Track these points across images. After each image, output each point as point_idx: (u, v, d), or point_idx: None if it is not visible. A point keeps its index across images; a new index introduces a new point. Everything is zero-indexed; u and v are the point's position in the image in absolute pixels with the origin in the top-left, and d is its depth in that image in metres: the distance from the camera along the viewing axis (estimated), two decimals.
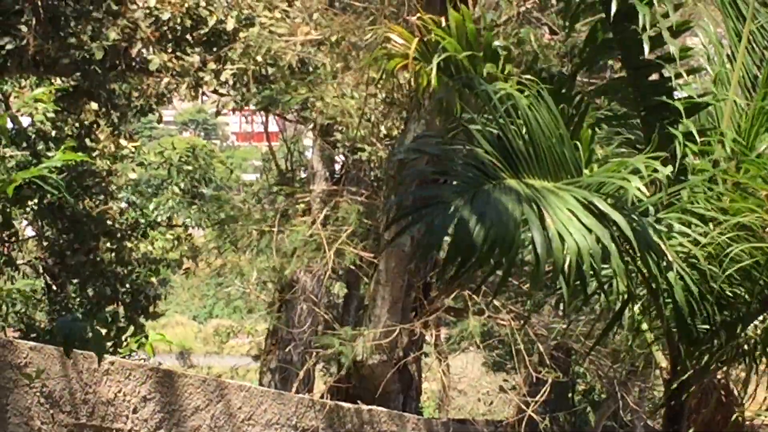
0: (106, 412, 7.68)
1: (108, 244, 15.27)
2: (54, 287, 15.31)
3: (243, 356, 20.42)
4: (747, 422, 7.06)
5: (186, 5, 12.33)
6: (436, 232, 5.32)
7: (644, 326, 6.94)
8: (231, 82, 12.54)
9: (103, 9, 11.97)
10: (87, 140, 14.66)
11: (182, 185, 16.84)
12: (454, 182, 5.63)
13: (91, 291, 14.97)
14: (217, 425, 8.50)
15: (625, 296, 6.39)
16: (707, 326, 6.44)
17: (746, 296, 6.39)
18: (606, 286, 6.27)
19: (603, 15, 6.65)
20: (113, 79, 12.50)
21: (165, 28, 12.30)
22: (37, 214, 14.68)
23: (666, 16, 6.55)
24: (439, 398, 18.74)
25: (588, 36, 6.87)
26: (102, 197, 15.36)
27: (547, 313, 12.99)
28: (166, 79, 12.61)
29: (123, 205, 16.48)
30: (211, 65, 12.34)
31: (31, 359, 7.23)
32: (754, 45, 7.33)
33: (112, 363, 7.74)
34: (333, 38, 11.86)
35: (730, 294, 6.39)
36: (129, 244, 15.66)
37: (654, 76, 6.85)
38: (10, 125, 13.58)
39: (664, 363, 6.85)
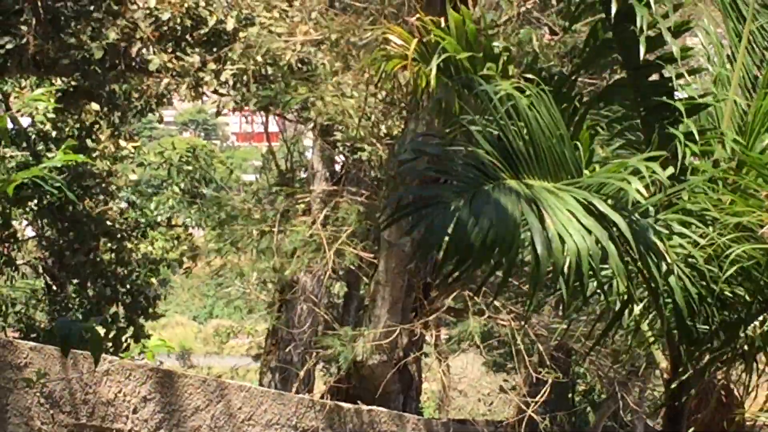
0: (106, 412, 7.68)
1: (108, 245, 15.28)
2: (54, 287, 15.32)
3: (243, 356, 20.43)
4: (747, 423, 7.06)
5: (186, 5, 12.33)
6: (436, 232, 5.32)
7: (644, 327, 6.94)
8: (231, 82, 12.54)
9: (102, 9, 11.97)
10: (88, 141, 14.67)
11: (182, 185, 16.85)
12: (454, 182, 5.63)
13: (91, 291, 14.97)
14: (217, 425, 8.50)
15: (625, 297, 6.39)
16: (707, 327, 6.44)
17: (746, 297, 6.39)
18: (606, 287, 6.27)
19: (603, 15, 6.65)
20: (113, 80, 12.50)
21: (165, 28, 12.30)
22: (37, 214, 14.69)
23: (666, 16, 6.54)
24: (439, 398, 18.75)
25: (588, 36, 6.87)
26: (102, 197, 15.37)
27: (547, 313, 12.98)
28: (166, 80, 12.60)
29: (123, 205, 16.49)
30: (211, 65, 12.34)
31: (32, 359, 7.23)
32: (755, 45, 7.32)
33: (112, 363, 7.74)
34: (333, 37, 11.85)
35: (730, 294, 6.39)
36: (129, 245, 15.67)
37: (654, 77, 6.84)
38: (10, 125, 13.59)
39: (664, 363, 6.85)
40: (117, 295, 15.08)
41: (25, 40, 11.61)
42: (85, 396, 7.54)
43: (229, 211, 13.26)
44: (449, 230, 5.33)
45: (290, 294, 14.06)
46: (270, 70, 12.28)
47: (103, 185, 15.22)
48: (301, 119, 13.54)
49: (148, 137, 40.95)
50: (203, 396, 8.40)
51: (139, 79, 13.38)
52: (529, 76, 6.61)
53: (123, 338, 15.08)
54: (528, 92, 5.98)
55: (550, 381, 12.65)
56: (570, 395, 19.60)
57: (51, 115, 14.11)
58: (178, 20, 12.27)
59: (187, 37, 12.44)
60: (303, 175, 14.89)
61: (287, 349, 14.23)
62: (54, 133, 14.37)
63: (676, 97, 6.87)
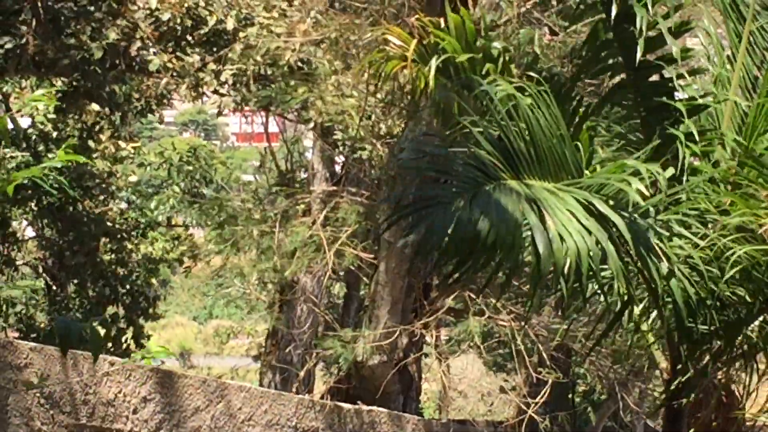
0: (106, 412, 7.68)
1: (108, 245, 15.28)
2: (54, 288, 15.32)
3: (243, 357, 20.42)
4: (747, 423, 7.06)
5: (186, 5, 12.33)
6: (437, 232, 5.32)
7: (644, 327, 6.94)
8: (231, 83, 12.54)
9: (102, 9, 11.97)
10: (90, 141, 14.67)
11: (182, 185, 16.85)
12: (454, 182, 5.62)
13: (91, 292, 14.97)
14: (217, 426, 8.50)
15: (625, 298, 6.38)
16: (707, 327, 6.44)
17: (747, 297, 6.39)
18: (606, 288, 6.27)
19: (603, 15, 6.65)
20: (113, 80, 12.50)
21: (165, 28, 12.30)
22: (37, 214, 14.68)
23: (666, 16, 6.54)
24: (439, 399, 18.75)
25: (588, 37, 6.87)
26: (102, 198, 15.37)
27: (547, 314, 12.97)
28: (165, 80, 12.60)
29: (123, 205, 16.49)
30: (211, 65, 12.34)
31: (32, 360, 7.23)
32: (755, 46, 7.32)
33: (112, 364, 7.74)
34: (332, 36, 11.84)
35: (730, 295, 6.39)
36: (129, 245, 15.67)
37: (654, 77, 6.84)
38: (9, 126, 13.58)
39: (664, 363, 6.85)
40: (117, 296, 15.08)
41: (24, 40, 11.61)
42: (85, 396, 7.54)
43: (230, 212, 13.25)
44: (450, 231, 5.32)
45: (290, 294, 14.06)
46: (270, 70, 12.28)
47: (103, 186, 15.22)
48: (301, 119, 13.53)
49: (148, 138, 40.96)
50: (203, 396, 8.40)
51: (139, 80, 13.39)
52: (530, 75, 6.61)
53: (123, 338, 15.08)
54: (528, 92, 5.98)
55: (550, 381, 12.65)
56: (570, 396, 19.60)
57: (51, 116, 14.11)
58: (178, 20, 12.27)
59: (187, 37, 12.44)
60: (303, 175, 14.89)
61: (287, 350, 14.23)
62: (54, 134, 14.37)
63: (676, 98, 6.87)
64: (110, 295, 14.98)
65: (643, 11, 6.38)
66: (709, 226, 6.35)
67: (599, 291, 6.18)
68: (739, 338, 6.58)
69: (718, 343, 6.53)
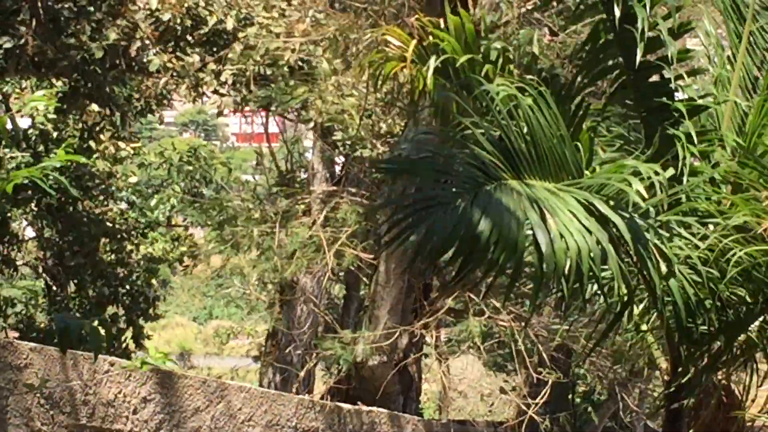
0: (106, 413, 7.68)
1: (108, 246, 15.28)
2: (54, 288, 15.32)
3: (243, 357, 20.42)
4: (747, 423, 7.06)
5: (186, 5, 12.33)
6: (438, 233, 5.30)
7: (644, 327, 6.94)
8: (231, 83, 12.54)
9: (102, 9, 11.97)
10: (91, 142, 14.67)
11: (182, 185, 16.85)
12: (454, 182, 5.62)
13: (90, 292, 14.97)
14: (217, 426, 8.50)
15: (625, 298, 6.38)
16: (707, 328, 6.44)
17: (747, 298, 6.39)
18: (606, 288, 6.26)
19: (604, 16, 6.64)
20: (113, 81, 12.49)
21: (164, 28, 12.30)
22: (37, 215, 14.68)
23: (668, 17, 6.53)
24: (439, 399, 18.75)
25: (589, 37, 6.86)
26: (102, 198, 15.37)
27: (547, 314, 12.97)
28: (164, 79, 12.61)
29: (123, 206, 16.49)
30: (211, 65, 12.34)
31: (32, 360, 7.23)
32: (755, 47, 7.32)
33: (112, 364, 7.74)
34: (332, 35, 11.84)
35: (730, 296, 6.39)
36: (129, 246, 15.67)
37: (655, 77, 6.84)
38: (9, 126, 13.56)
39: (664, 364, 6.85)
40: (117, 296, 15.08)
41: (23, 40, 11.60)
42: (85, 397, 7.54)
43: (230, 212, 13.25)
44: (452, 231, 5.31)
45: (290, 295, 14.06)
46: (269, 71, 12.28)
47: (103, 186, 15.22)
48: (301, 119, 13.53)
49: (148, 138, 40.95)
50: (203, 397, 8.40)
51: (139, 80, 13.39)
52: (530, 76, 6.60)
53: (122, 339, 15.07)
54: (528, 93, 5.97)
55: (550, 382, 12.64)
56: (570, 396, 19.59)
57: (52, 116, 14.10)
58: (178, 20, 12.28)
59: (187, 37, 12.45)
60: (303, 175, 14.89)
61: (287, 350, 14.23)
62: (54, 134, 14.37)
63: (676, 98, 6.86)
64: (110, 295, 14.97)
65: (644, 12, 6.38)
66: (710, 226, 6.34)
67: (599, 291, 6.17)
68: (740, 338, 6.57)
69: (718, 343, 6.53)
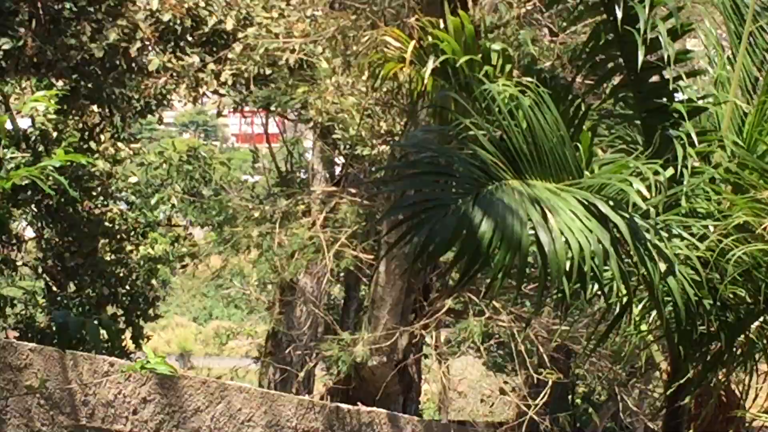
0: (106, 413, 7.67)
1: (108, 246, 15.28)
2: (54, 288, 15.32)
3: (243, 358, 20.42)
4: (747, 424, 7.05)
5: (186, 5, 12.34)
6: (440, 235, 5.28)
7: (644, 328, 6.94)
8: (230, 83, 12.55)
9: (102, 10, 11.97)
10: (91, 143, 14.67)
11: (181, 185, 16.84)
12: (454, 183, 5.60)
13: (90, 292, 14.97)
14: (217, 427, 8.49)
15: (626, 299, 6.38)
16: (708, 328, 6.43)
17: (747, 298, 6.39)
18: (606, 288, 6.26)
19: (605, 16, 6.64)
20: (113, 82, 12.49)
21: (164, 28, 12.31)
22: (36, 215, 14.68)
23: (666, 18, 6.53)
24: (439, 400, 18.74)
25: (590, 38, 6.86)
26: (102, 199, 15.37)
27: (546, 314, 12.97)
28: (164, 79, 12.61)
29: (123, 206, 16.48)
30: (211, 66, 12.35)
31: (32, 361, 7.22)
32: (755, 47, 7.32)
33: (111, 365, 7.74)
34: (331, 33, 11.84)
35: (731, 296, 6.38)
36: (129, 246, 15.66)
37: (655, 78, 6.83)
38: (9, 126, 13.57)
39: (664, 364, 6.84)
40: (116, 296, 15.08)
41: (22, 41, 11.60)
42: (85, 397, 7.54)
43: (231, 213, 13.26)
44: (454, 233, 5.29)
45: (290, 295, 14.07)
46: (269, 71, 12.29)
47: (102, 188, 15.22)
48: (301, 118, 13.54)
49: (148, 138, 40.92)
50: (203, 397, 8.40)
51: (139, 80, 13.39)
52: (529, 76, 6.60)
53: (122, 339, 15.07)
54: (528, 93, 5.97)
55: (550, 383, 12.64)
56: (570, 397, 19.60)
57: (52, 116, 14.11)
58: (178, 21, 12.28)
59: (187, 37, 12.45)
60: (303, 176, 14.90)
61: (287, 351, 14.24)
62: (54, 134, 14.37)
63: (677, 99, 6.86)
64: (109, 295, 14.97)
65: (645, 13, 6.37)
66: (710, 227, 6.34)
67: (600, 292, 6.17)
68: (740, 339, 6.57)
69: (718, 343, 6.52)
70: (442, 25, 6.79)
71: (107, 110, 13.44)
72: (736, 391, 6.88)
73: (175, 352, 36.91)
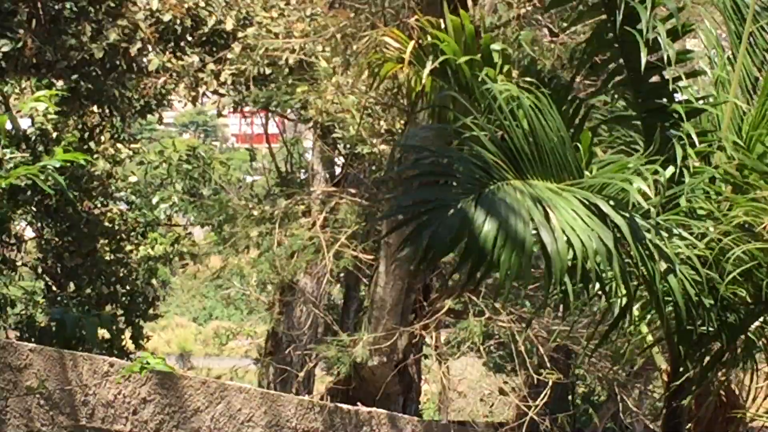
0: (106, 413, 7.67)
1: (107, 246, 15.29)
2: (53, 288, 15.32)
3: (243, 358, 20.42)
4: (748, 424, 7.05)
5: (186, 5, 12.34)
6: (443, 236, 5.25)
7: (644, 328, 6.94)
8: (230, 83, 12.55)
9: (102, 10, 11.97)
10: (91, 143, 14.67)
11: (181, 185, 16.84)
12: (454, 183, 5.59)
13: (90, 292, 14.98)
14: (217, 427, 8.49)
15: (626, 299, 6.38)
16: (708, 328, 6.43)
17: (747, 298, 6.38)
18: (608, 288, 6.26)
19: (605, 17, 6.64)
20: (113, 83, 12.49)
21: (164, 28, 12.31)
22: (36, 216, 14.69)
23: (666, 19, 6.52)
24: (439, 400, 18.74)
25: (590, 38, 6.85)
26: (102, 199, 15.38)
27: (546, 314, 12.96)
28: (163, 78, 12.61)
29: (123, 206, 16.49)
30: (211, 66, 12.35)
31: (32, 361, 7.22)
32: (755, 47, 7.31)
33: (111, 365, 7.74)
34: (330, 32, 11.84)
35: (731, 296, 6.38)
36: (129, 246, 15.67)
37: (655, 78, 6.83)
38: (9, 126, 13.57)
39: (664, 365, 6.84)
40: (116, 296, 15.09)
41: (21, 42, 11.59)
42: (85, 397, 7.53)
43: (231, 213, 13.25)
44: (457, 234, 5.27)
45: (290, 295, 14.06)
46: (269, 70, 12.29)
47: (101, 188, 15.22)
48: (301, 118, 13.54)
49: (148, 139, 40.92)
50: (203, 397, 8.40)
51: (138, 80, 13.40)
52: (529, 76, 6.60)
53: (121, 339, 15.08)
54: (529, 93, 5.96)
55: (550, 383, 12.63)
56: (570, 397, 19.59)
57: (52, 116, 14.11)
58: (178, 21, 12.29)
59: (187, 36, 12.46)
60: (303, 176, 14.89)
61: (287, 351, 14.23)
62: (55, 135, 14.38)
63: (677, 99, 6.86)
64: (109, 295, 14.98)
65: (646, 14, 6.37)
66: (710, 228, 6.34)
67: (601, 291, 6.17)
68: (740, 339, 6.57)
69: (719, 344, 6.53)
70: (442, 26, 6.78)
71: (107, 111, 13.44)
72: (736, 391, 6.88)
73: (174, 352, 36.92)
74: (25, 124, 14.74)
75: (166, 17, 12.25)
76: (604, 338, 6.72)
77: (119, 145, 15.48)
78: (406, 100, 11.63)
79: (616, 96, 7.04)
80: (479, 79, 6.41)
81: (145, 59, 12.38)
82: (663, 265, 5.96)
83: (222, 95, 13.12)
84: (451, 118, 6.47)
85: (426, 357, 15.06)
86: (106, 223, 15.19)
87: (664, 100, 6.79)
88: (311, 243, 12.44)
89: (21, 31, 11.58)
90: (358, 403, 10.98)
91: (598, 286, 6.00)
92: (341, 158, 14.10)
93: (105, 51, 11.87)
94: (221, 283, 15.82)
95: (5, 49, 11.59)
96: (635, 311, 6.73)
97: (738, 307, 6.44)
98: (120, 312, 15.21)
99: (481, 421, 16.47)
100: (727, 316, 6.45)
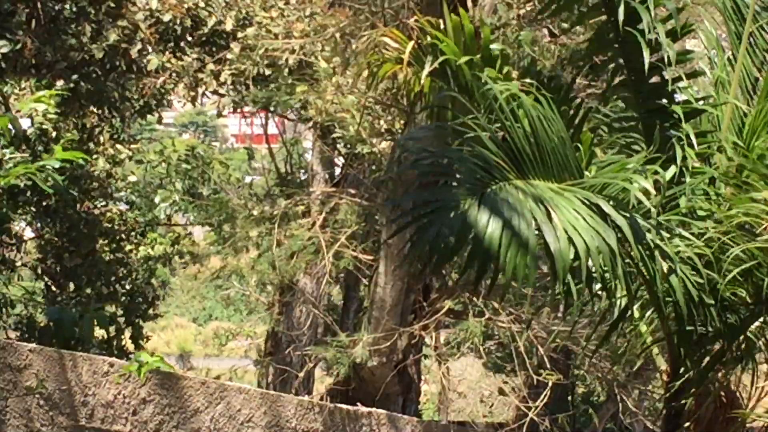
0: (106, 414, 7.67)
1: (106, 246, 15.28)
2: (53, 288, 15.32)
3: (242, 358, 20.41)
4: (748, 424, 7.05)
5: (185, 6, 12.34)
6: (446, 237, 5.24)
7: (644, 328, 6.94)
8: (230, 83, 12.55)
9: (102, 10, 11.97)
10: (90, 144, 14.67)
11: (180, 185, 16.84)
12: (454, 184, 5.58)
13: (89, 291, 14.97)
14: (216, 427, 8.49)
15: (626, 299, 6.38)
16: (708, 328, 6.43)
17: (747, 298, 6.38)
18: (609, 288, 6.26)
19: (606, 17, 6.63)
20: (113, 84, 12.49)
21: (164, 28, 12.31)
22: (35, 216, 14.69)
23: (666, 19, 6.52)
24: (439, 401, 18.74)
25: (591, 39, 6.85)
26: (101, 200, 15.37)
27: (546, 315, 12.96)
28: (162, 78, 12.60)
29: (123, 206, 16.49)
30: (210, 66, 12.35)
31: (31, 361, 7.22)
32: (755, 47, 7.31)
33: (111, 365, 7.74)
34: (330, 31, 11.84)
35: (731, 296, 6.38)
36: (128, 246, 15.67)
37: (655, 78, 6.83)
38: (9, 127, 13.55)
39: (664, 365, 6.84)
40: (115, 296, 15.08)
41: (20, 43, 11.59)
42: (85, 398, 7.53)
43: (230, 213, 13.25)
44: (460, 235, 5.25)
45: (289, 296, 14.06)
46: (269, 71, 12.29)
47: (101, 188, 15.22)
48: (301, 118, 13.53)
49: (147, 139, 40.91)
50: (203, 398, 8.39)
51: (138, 80, 13.39)
52: (529, 77, 6.60)
53: (121, 339, 15.06)
54: (529, 94, 5.96)
55: (550, 383, 12.63)
56: (570, 397, 19.59)
57: (52, 116, 14.11)
58: (178, 21, 12.29)
59: (187, 37, 12.46)
60: (303, 177, 14.89)
61: (287, 351, 14.23)
62: (54, 134, 14.37)
63: (677, 100, 6.86)
64: (109, 295, 14.98)
65: (648, 15, 6.36)
66: (710, 228, 6.34)
67: (602, 291, 6.17)
68: (740, 339, 6.57)
69: (719, 344, 6.52)
70: (441, 26, 6.78)
71: (107, 111, 13.44)
72: (736, 391, 6.88)
73: (174, 352, 36.92)
74: (24, 124, 14.73)
75: (166, 17, 12.25)
76: (604, 339, 6.72)
77: (119, 146, 15.48)
78: (406, 101, 11.63)
79: (615, 96, 7.04)
80: (480, 80, 6.40)
81: (144, 59, 12.38)
82: (664, 265, 5.96)
83: (222, 95, 13.12)
84: (450, 118, 6.46)
85: (426, 357, 15.06)
86: (106, 223, 15.18)
87: (664, 100, 6.79)
88: (311, 243, 12.43)
89: (20, 31, 11.57)
90: (358, 404, 10.98)
91: (599, 285, 6.00)
92: (341, 158, 14.09)
93: (105, 51, 11.87)
94: (221, 283, 15.82)
95: (5, 49, 11.58)
96: (635, 311, 6.73)
97: (738, 307, 6.44)
98: (120, 312, 15.20)
99: (481, 422, 16.46)
100: (727, 316, 6.45)
